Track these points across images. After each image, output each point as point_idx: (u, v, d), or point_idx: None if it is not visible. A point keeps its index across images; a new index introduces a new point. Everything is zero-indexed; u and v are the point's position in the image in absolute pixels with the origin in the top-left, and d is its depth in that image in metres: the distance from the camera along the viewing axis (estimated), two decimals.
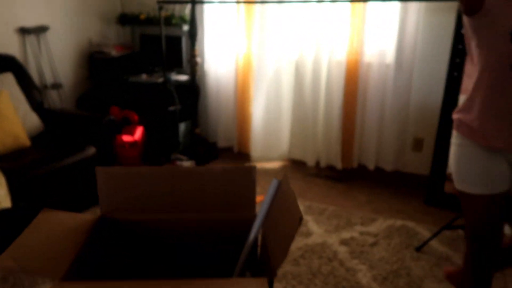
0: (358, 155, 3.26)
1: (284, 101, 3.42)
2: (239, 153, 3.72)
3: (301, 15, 3.17)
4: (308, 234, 2.44)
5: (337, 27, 3.05)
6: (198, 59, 3.46)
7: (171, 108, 3.43)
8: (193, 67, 3.46)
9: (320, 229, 2.50)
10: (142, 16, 3.73)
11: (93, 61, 3.73)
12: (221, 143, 3.77)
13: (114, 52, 3.66)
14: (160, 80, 3.49)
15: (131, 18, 3.80)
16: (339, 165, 3.27)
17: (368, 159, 3.22)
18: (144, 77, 3.58)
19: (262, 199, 0.98)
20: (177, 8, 3.69)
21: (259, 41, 3.33)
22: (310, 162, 3.40)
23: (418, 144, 3.12)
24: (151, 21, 3.70)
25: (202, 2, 3.41)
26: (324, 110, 3.23)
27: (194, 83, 3.51)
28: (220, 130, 3.73)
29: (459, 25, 2.60)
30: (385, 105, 3.07)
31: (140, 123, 3.40)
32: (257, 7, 3.26)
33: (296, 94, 3.36)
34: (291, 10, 3.19)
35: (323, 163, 3.35)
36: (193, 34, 3.37)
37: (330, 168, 3.36)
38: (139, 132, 3.19)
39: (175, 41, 3.60)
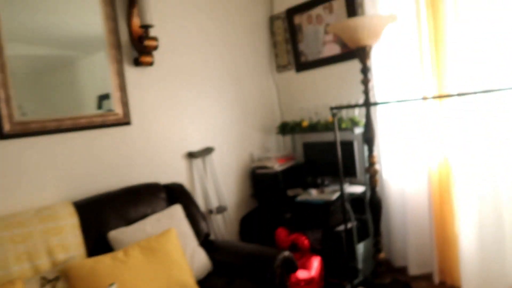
0: None
1: (508, 214, 2.48)
2: (441, 284, 2.80)
3: None
4: None
5: None
6: (377, 167, 2.85)
7: (348, 226, 2.80)
8: (372, 176, 2.84)
9: None
10: (305, 123, 3.38)
11: (255, 177, 3.44)
12: (414, 269, 2.91)
13: (276, 166, 3.31)
14: (334, 197, 2.94)
15: (292, 127, 3.48)
16: None
17: None
18: (314, 193, 3.08)
19: None
20: (345, 110, 3.25)
21: (459, 142, 2.58)
22: None
23: None
24: (315, 127, 3.31)
25: (377, 104, 2.89)
26: None
27: (375, 195, 2.86)
28: (411, 253, 2.90)
29: None
30: None
31: (312, 250, 2.84)
32: (452, 101, 2.58)
33: None
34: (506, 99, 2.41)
35: None
36: (369, 138, 2.81)
37: None
38: (315, 264, 2.60)
39: (346, 147, 3.09)
